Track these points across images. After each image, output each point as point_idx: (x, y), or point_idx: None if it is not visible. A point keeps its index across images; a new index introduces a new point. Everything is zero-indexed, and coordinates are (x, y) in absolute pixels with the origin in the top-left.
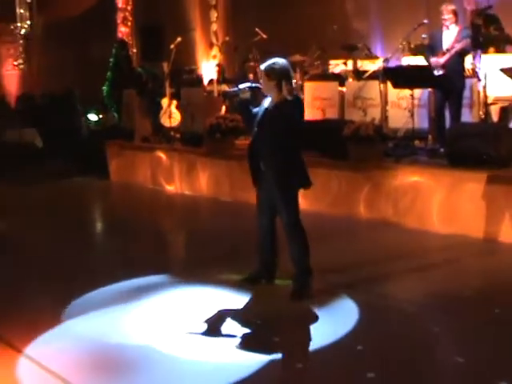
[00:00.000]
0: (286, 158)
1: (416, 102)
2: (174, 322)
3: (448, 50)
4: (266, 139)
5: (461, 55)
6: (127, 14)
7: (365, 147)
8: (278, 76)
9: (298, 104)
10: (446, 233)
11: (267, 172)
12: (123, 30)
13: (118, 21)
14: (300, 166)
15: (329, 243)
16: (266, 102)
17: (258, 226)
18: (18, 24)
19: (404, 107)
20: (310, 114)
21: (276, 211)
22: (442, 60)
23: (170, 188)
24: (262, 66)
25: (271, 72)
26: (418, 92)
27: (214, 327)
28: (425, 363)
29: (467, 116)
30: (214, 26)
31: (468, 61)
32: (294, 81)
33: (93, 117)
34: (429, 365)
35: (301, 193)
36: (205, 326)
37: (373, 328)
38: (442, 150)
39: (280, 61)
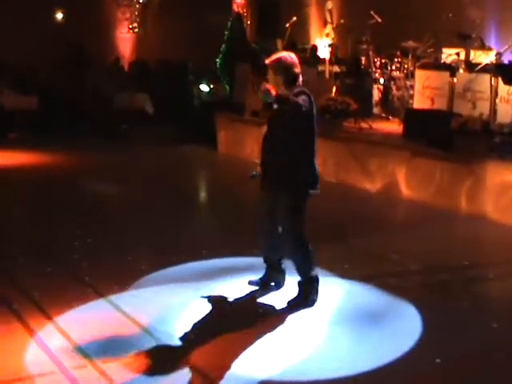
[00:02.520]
0: (292, 158)
1: None
2: None
3: None
4: (273, 136)
5: None
6: None
7: (470, 141)
8: (284, 71)
9: (300, 107)
10: None
11: (273, 172)
12: (239, 2)
13: None
14: (309, 168)
15: (428, 235)
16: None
17: (263, 232)
18: None
19: None
20: (420, 102)
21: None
22: None
23: None
24: (267, 60)
25: (276, 67)
26: None
27: None
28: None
29: None
30: (330, 4)
31: None
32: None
33: (204, 87)
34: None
35: (404, 181)
36: None
37: (464, 332)
38: None
39: (286, 55)
